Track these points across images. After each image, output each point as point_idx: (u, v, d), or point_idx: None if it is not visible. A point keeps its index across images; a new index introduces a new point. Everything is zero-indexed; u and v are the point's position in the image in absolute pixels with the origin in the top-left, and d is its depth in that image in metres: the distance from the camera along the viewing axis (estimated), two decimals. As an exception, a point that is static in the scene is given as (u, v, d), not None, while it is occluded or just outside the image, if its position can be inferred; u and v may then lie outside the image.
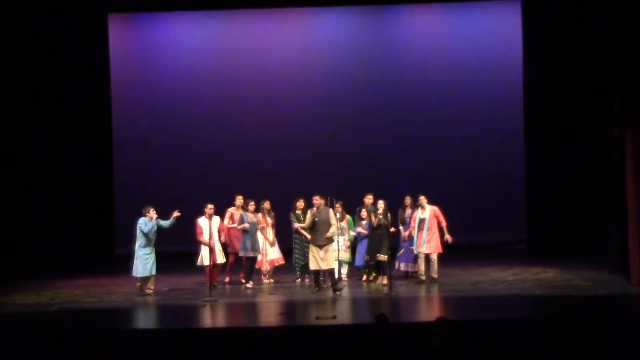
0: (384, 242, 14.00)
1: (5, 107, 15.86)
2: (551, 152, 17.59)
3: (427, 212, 14.14)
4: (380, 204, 14.20)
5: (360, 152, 19.23)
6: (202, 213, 14.31)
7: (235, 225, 14.56)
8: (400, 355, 8.43)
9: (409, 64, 19.28)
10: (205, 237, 14.11)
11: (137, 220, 13.83)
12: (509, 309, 12.08)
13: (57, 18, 17.45)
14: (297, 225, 14.48)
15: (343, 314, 12.07)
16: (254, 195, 14.95)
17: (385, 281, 13.84)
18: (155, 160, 19.29)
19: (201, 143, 19.31)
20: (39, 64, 17.09)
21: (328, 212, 13.59)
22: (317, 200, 13.71)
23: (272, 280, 14.85)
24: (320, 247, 13.45)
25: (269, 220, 14.73)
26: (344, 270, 14.56)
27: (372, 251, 14.17)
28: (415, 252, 14.30)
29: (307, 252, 14.60)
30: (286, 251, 15.02)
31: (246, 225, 14.36)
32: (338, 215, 14.30)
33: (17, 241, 15.88)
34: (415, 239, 14.19)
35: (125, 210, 18.32)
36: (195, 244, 14.43)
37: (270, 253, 14.68)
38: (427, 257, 14.19)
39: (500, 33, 19.03)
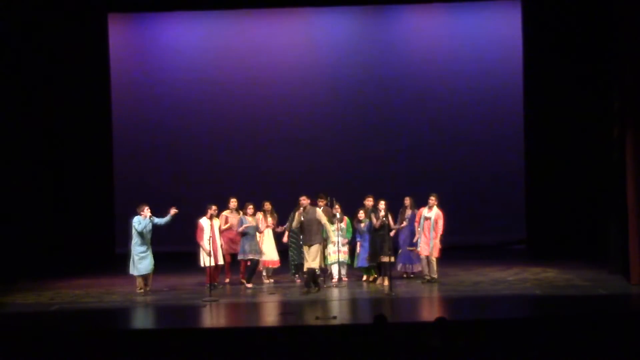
0: (386, 243, 14.00)
1: (5, 107, 15.85)
2: (551, 152, 17.58)
3: (433, 213, 14.15)
4: (381, 205, 14.21)
5: (359, 151, 19.23)
6: (203, 213, 14.29)
7: (229, 227, 14.55)
8: (400, 355, 8.43)
9: (409, 63, 19.29)
10: (205, 238, 14.10)
11: (132, 219, 13.86)
12: (509, 309, 12.08)
13: (57, 18, 17.44)
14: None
15: (343, 314, 12.07)
16: (254, 195, 14.95)
17: (385, 282, 13.85)
18: (155, 160, 19.29)
19: (201, 143, 19.31)
20: (39, 64, 17.08)
21: (315, 212, 13.61)
22: (304, 200, 13.73)
23: (272, 280, 14.85)
24: (310, 246, 13.45)
25: (271, 220, 14.73)
26: (344, 270, 14.55)
27: (374, 253, 14.16)
28: (417, 250, 14.32)
29: (300, 251, 14.63)
30: (285, 252, 15.01)
31: (244, 226, 14.36)
32: (338, 215, 14.31)
33: (17, 241, 15.87)
34: (419, 238, 14.19)
35: (125, 210, 18.25)
36: (196, 244, 14.43)
37: (266, 255, 14.66)
38: (427, 258, 14.19)
39: (500, 33, 19.04)
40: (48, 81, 17.33)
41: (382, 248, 14.03)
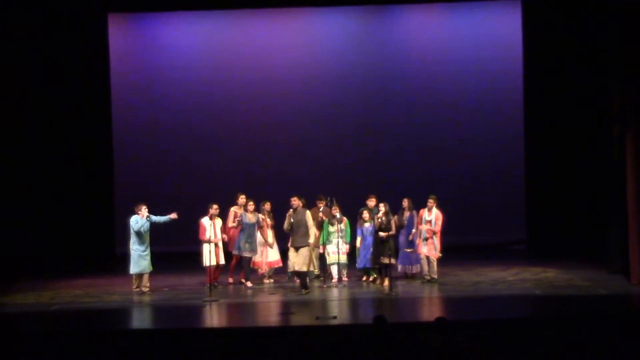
0: (387, 244, 13.99)
1: (5, 107, 15.85)
2: (551, 152, 17.58)
3: (433, 215, 14.16)
4: (382, 207, 14.22)
5: (359, 152, 19.22)
6: (205, 213, 14.29)
7: (234, 225, 14.55)
8: (400, 356, 8.43)
9: (409, 64, 19.27)
10: (208, 237, 14.09)
11: (129, 219, 13.85)
12: (509, 309, 12.08)
13: (57, 18, 17.44)
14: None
15: (343, 314, 12.07)
16: (254, 195, 14.94)
17: (385, 282, 13.85)
18: (155, 160, 19.28)
19: (201, 143, 19.31)
20: (39, 64, 17.08)
21: (304, 214, 13.60)
22: (295, 201, 13.72)
23: (272, 281, 14.85)
24: (297, 248, 13.43)
25: (269, 221, 14.72)
26: (344, 270, 14.54)
27: (376, 254, 14.16)
28: (417, 253, 14.33)
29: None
30: (285, 252, 14.99)
31: (239, 219, 14.33)
32: (338, 216, 14.31)
33: (17, 241, 15.87)
34: (416, 239, 14.20)
35: (125, 210, 18.23)
36: (196, 244, 14.44)
37: (270, 255, 14.67)
38: (428, 258, 14.20)
39: (500, 33, 19.02)
40: (48, 81, 17.32)
41: (383, 249, 14.02)
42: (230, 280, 14.82)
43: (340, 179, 18.48)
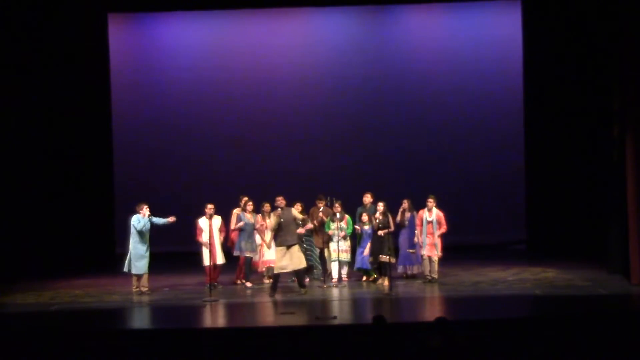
0: (385, 243, 14.00)
1: (5, 107, 15.86)
2: (551, 152, 17.59)
3: (434, 215, 14.16)
4: (380, 206, 14.21)
5: (359, 152, 19.22)
6: (202, 213, 14.30)
7: (236, 227, 14.54)
8: (400, 355, 8.43)
9: (409, 63, 19.27)
10: (204, 238, 14.11)
11: (130, 218, 13.84)
12: (509, 309, 12.08)
13: (57, 18, 17.44)
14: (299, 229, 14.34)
15: (343, 314, 12.07)
16: (254, 195, 14.94)
17: (385, 282, 13.86)
18: (155, 160, 19.28)
19: (201, 143, 19.30)
20: (39, 64, 17.08)
21: (291, 212, 13.62)
22: (281, 201, 13.71)
23: (272, 280, 14.81)
24: (288, 247, 13.42)
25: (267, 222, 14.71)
26: (344, 270, 14.55)
27: (374, 253, 14.17)
28: (419, 254, 14.34)
29: (307, 254, 14.62)
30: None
31: (241, 223, 14.34)
32: (338, 215, 14.32)
33: (17, 241, 15.88)
34: (423, 240, 14.19)
35: (125, 210, 18.23)
36: (196, 244, 14.44)
37: (266, 254, 14.65)
38: (429, 258, 14.20)
39: (500, 33, 19.02)
40: (48, 81, 17.33)
41: (382, 248, 14.03)
42: (238, 282, 14.77)
43: (340, 178, 18.47)
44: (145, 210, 13.85)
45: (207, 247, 14.04)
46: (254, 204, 14.64)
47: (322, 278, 14.45)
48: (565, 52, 17.26)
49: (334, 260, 14.38)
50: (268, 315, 12.46)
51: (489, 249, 18.44)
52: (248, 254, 14.43)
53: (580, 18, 16.65)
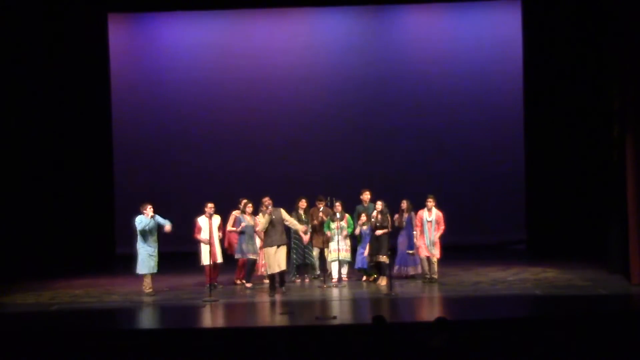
0: (384, 242, 13.99)
1: (5, 107, 15.86)
2: (551, 152, 17.59)
3: (434, 215, 14.15)
4: (379, 205, 14.20)
5: (359, 152, 19.21)
6: (202, 212, 14.28)
7: (235, 229, 14.53)
8: (400, 355, 8.43)
9: (409, 63, 19.26)
10: (204, 236, 14.08)
11: (134, 219, 13.82)
12: (509, 309, 12.08)
13: (57, 18, 17.44)
14: (300, 227, 14.29)
15: (343, 314, 12.07)
16: (254, 195, 14.93)
17: (384, 282, 13.85)
18: (156, 160, 19.27)
19: (201, 143, 19.30)
20: (39, 64, 17.08)
21: (280, 212, 13.59)
22: (268, 201, 13.70)
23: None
24: (278, 247, 13.39)
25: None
26: (344, 270, 14.55)
27: (372, 253, 14.16)
28: (416, 255, 14.33)
29: (306, 252, 14.62)
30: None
31: (243, 225, 14.32)
32: (338, 214, 14.32)
33: (17, 241, 15.87)
34: (427, 241, 14.18)
35: (125, 210, 18.27)
36: (196, 244, 14.43)
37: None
38: (428, 259, 14.18)
39: (500, 33, 19.02)
40: (48, 81, 17.33)
41: (380, 248, 14.02)
42: (238, 281, 14.75)
43: (340, 178, 18.44)
44: (149, 210, 13.76)
45: (206, 244, 13.98)
46: (254, 205, 14.60)
47: (322, 278, 14.44)
48: (565, 52, 17.26)
49: (334, 260, 14.37)
50: (268, 315, 12.46)
51: (489, 249, 18.42)
52: (251, 256, 14.39)
53: (580, 18, 16.65)
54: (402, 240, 14.61)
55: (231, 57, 19.32)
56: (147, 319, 12.57)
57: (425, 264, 14.22)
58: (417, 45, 19.34)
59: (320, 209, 14.73)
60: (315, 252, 14.82)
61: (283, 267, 13.48)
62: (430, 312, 12.18)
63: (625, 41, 13.44)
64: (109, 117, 18.56)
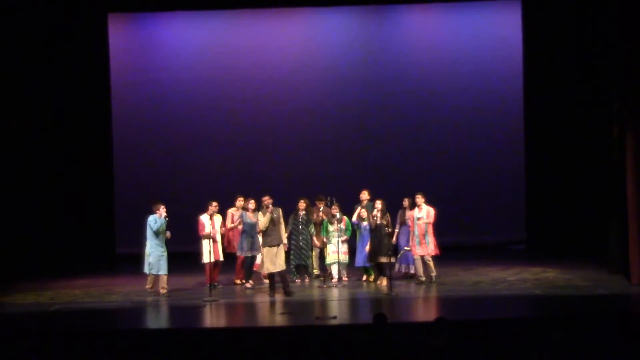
0: (384, 243, 13.97)
1: (5, 107, 15.86)
2: (551, 151, 17.58)
3: (424, 211, 14.12)
4: (378, 204, 14.18)
5: (359, 152, 19.21)
6: (205, 210, 14.26)
7: (234, 225, 14.52)
8: (400, 355, 8.43)
9: (409, 63, 19.27)
10: (206, 235, 14.05)
11: (147, 219, 13.70)
12: (509, 309, 12.08)
13: (57, 18, 17.44)
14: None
15: (343, 314, 12.07)
16: (254, 195, 14.93)
17: (384, 282, 13.85)
18: (156, 160, 19.27)
19: (201, 143, 19.29)
20: (39, 64, 17.07)
21: (279, 212, 13.56)
22: (268, 200, 13.58)
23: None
24: (278, 246, 13.33)
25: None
26: (344, 270, 14.53)
27: (372, 253, 14.14)
28: (409, 253, 14.32)
29: (303, 253, 14.60)
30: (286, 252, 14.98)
31: (239, 220, 14.28)
32: (338, 215, 14.31)
33: (17, 241, 15.87)
34: (416, 240, 14.17)
35: (125, 210, 18.35)
36: (196, 244, 14.42)
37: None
38: (422, 258, 14.13)
39: (500, 33, 19.02)
40: (48, 81, 17.32)
41: (380, 248, 14.01)
42: (238, 281, 14.75)
43: (339, 178, 18.45)
44: (162, 210, 13.68)
45: (208, 241, 13.94)
46: (256, 203, 14.57)
47: (321, 278, 14.44)
48: (565, 52, 17.26)
49: (333, 263, 14.35)
50: (268, 315, 12.46)
51: (489, 249, 18.43)
52: (249, 254, 14.36)
53: (580, 18, 16.65)
54: (403, 239, 14.58)
55: (231, 57, 19.32)
56: (147, 319, 12.56)
57: (419, 264, 14.15)
58: (417, 45, 19.34)
59: (320, 209, 14.73)
60: (315, 251, 14.82)
61: (283, 266, 13.45)
62: (430, 312, 12.19)
63: (625, 41, 13.44)
64: (109, 117, 18.55)
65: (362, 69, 19.26)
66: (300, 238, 14.47)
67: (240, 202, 14.66)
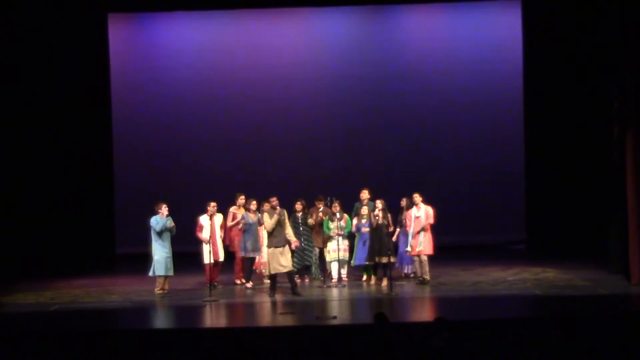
0: (384, 242, 13.96)
1: (5, 107, 15.86)
2: (551, 152, 17.59)
3: (422, 210, 14.10)
4: (379, 203, 14.17)
5: (359, 151, 19.22)
6: (204, 211, 14.26)
7: (234, 223, 14.50)
8: (400, 355, 8.43)
9: (409, 63, 19.28)
10: (205, 235, 14.06)
11: (150, 219, 13.70)
12: (509, 309, 12.08)
13: (57, 18, 17.43)
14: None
15: (343, 314, 12.07)
16: (255, 195, 14.93)
17: (384, 282, 13.84)
18: (156, 160, 19.28)
19: (201, 143, 19.31)
20: (39, 64, 17.07)
21: (285, 213, 13.55)
22: (275, 201, 13.57)
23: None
24: (284, 247, 13.32)
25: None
26: (344, 270, 14.54)
27: (372, 253, 14.14)
28: (408, 252, 14.30)
29: (306, 254, 14.59)
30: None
31: (243, 221, 14.25)
32: (338, 214, 14.31)
33: (17, 241, 15.87)
34: (410, 238, 14.16)
35: (125, 210, 18.35)
36: (196, 244, 14.42)
37: (265, 254, 14.60)
38: (419, 258, 14.09)
39: (500, 33, 19.04)
40: (48, 81, 17.32)
41: (380, 248, 14.00)
42: (238, 281, 14.74)
43: (340, 178, 18.46)
44: (164, 209, 13.65)
45: (207, 243, 13.94)
46: (257, 202, 14.56)
47: (321, 277, 14.44)
48: (565, 52, 17.26)
49: (334, 260, 14.36)
50: (268, 315, 12.46)
51: (489, 249, 18.44)
52: (251, 254, 14.34)
53: (580, 18, 16.65)
54: (403, 239, 14.58)
55: (231, 57, 19.33)
56: (147, 319, 12.55)
57: (418, 264, 14.12)
58: (417, 45, 19.36)
59: (320, 209, 14.73)
60: (315, 252, 14.82)
61: (290, 267, 13.43)
62: (431, 312, 12.18)
63: (625, 41, 13.44)
64: (109, 117, 18.55)
65: (362, 68, 19.26)
66: (302, 239, 14.46)
67: (241, 200, 14.66)
